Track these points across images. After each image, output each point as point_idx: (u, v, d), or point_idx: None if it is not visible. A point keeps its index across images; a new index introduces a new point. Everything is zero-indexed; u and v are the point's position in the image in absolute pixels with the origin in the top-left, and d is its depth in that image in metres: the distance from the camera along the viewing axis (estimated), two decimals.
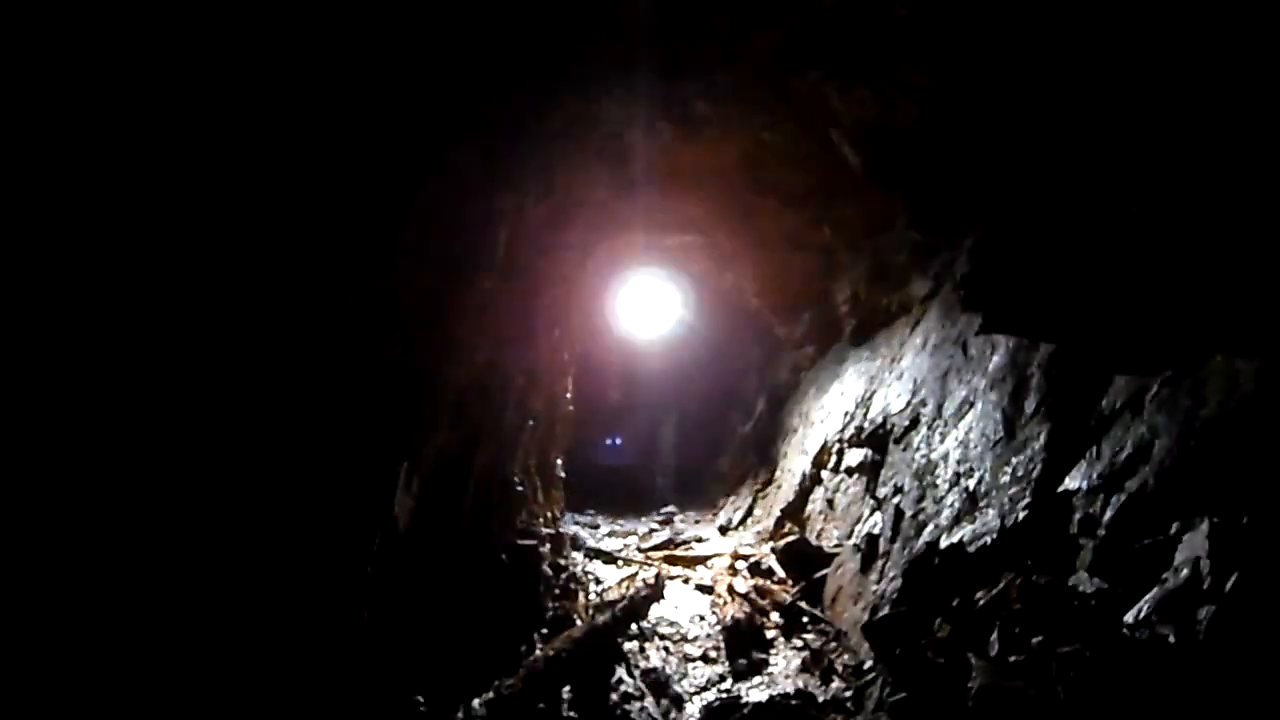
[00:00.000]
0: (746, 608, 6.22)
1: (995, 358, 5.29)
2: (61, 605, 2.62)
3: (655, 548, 8.79)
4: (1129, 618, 3.12)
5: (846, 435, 7.78)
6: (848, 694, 4.62)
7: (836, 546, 6.86)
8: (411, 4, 3.94)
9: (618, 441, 14.67)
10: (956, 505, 4.98)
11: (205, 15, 3.00)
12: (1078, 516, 3.93)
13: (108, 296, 2.82)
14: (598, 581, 7.26)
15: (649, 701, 4.97)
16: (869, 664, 4.76)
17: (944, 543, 4.76)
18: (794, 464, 9.24)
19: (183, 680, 3.00)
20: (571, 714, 4.68)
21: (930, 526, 5.14)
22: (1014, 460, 4.62)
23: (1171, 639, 2.80)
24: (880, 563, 5.61)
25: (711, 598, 6.75)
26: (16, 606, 2.48)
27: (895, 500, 5.89)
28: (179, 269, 3.06)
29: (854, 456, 7.50)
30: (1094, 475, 3.93)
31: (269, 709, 3.45)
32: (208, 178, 3.16)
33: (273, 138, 3.41)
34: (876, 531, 5.88)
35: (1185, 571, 3.03)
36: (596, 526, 10.14)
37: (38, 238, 2.56)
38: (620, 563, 8.05)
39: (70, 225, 2.69)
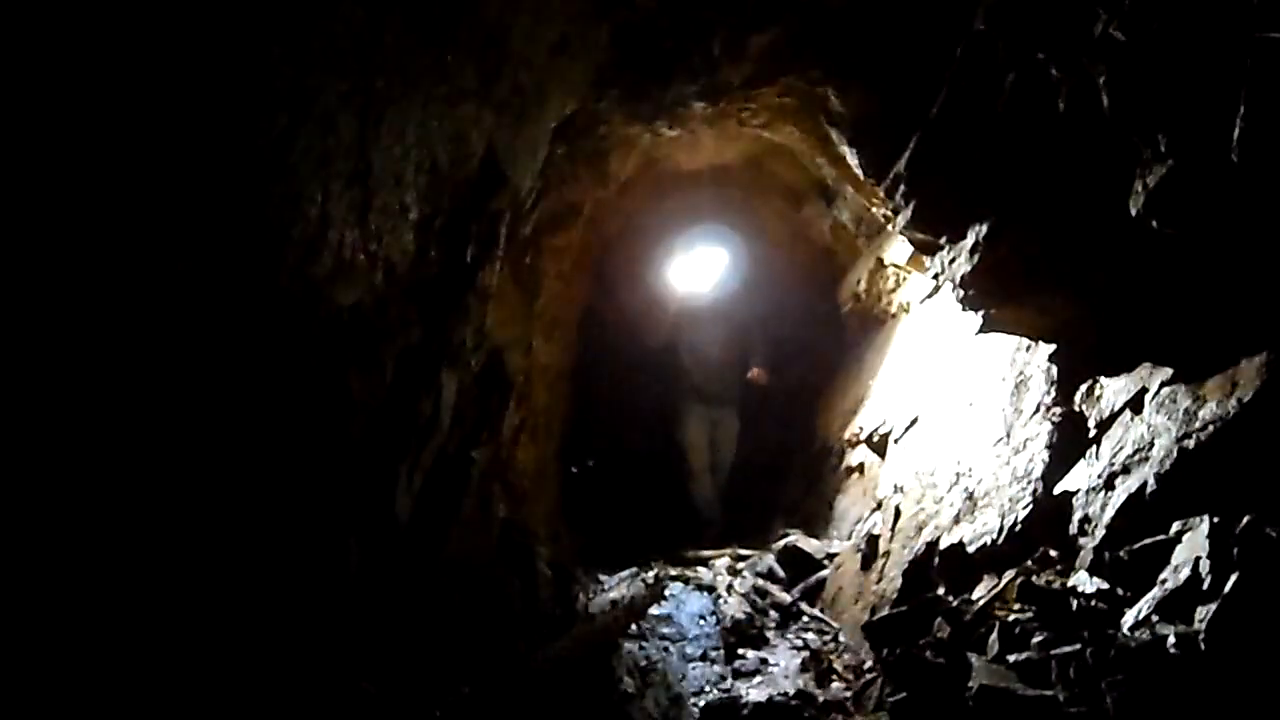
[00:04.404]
0: (746, 608, 6.23)
1: (995, 358, 5.29)
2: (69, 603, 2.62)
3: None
4: (1129, 618, 3.12)
5: (846, 435, 7.78)
6: (848, 694, 4.62)
7: (837, 546, 6.86)
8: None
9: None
10: (956, 505, 4.98)
11: None
12: (1078, 516, 3.93)
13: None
14: (598, 580, 7.26)
15: (649, 701, 4.97)
16: (869, 664, 4.76)
17: (944, 542, 4.76)
18: (792, 463, 9.25)
19: (182, 676, 3.00)
20: (570, 713, 4.68)
21: (930, 526, 5.14)
22: (1014, 460, 4.62)
23: (1171, 639, 2.80)
24: (880, 563, 5.61)
25: (711, 597, 6.75)
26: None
27: (895, 500, 5.90)
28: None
29: (854, 456, 7.51)
30: (1094, 475, 3.93)
31: (267, 705, 3.45)
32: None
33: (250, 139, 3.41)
34: (876, 531, 5.88)
35: (1185, 571, 3.03)
36: None
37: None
38: (620, 562, 8.04)
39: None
